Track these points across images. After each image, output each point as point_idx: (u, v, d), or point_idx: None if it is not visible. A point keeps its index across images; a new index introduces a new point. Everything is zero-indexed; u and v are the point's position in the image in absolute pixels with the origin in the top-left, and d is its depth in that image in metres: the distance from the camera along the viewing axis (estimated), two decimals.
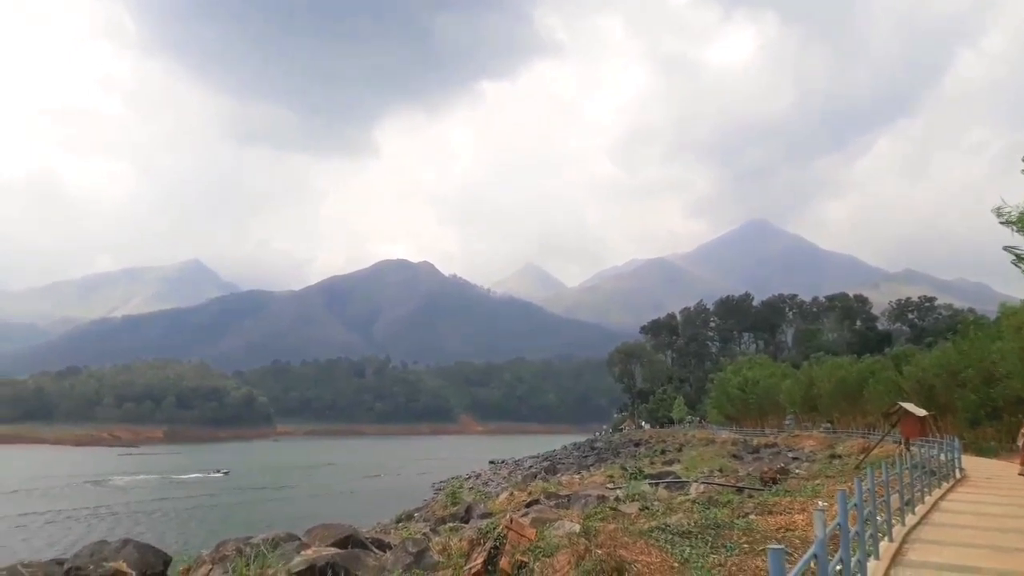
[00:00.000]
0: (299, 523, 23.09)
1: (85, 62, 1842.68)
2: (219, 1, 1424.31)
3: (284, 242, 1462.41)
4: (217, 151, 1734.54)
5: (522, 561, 8.38)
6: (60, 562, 12.78)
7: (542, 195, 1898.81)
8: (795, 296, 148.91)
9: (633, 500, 16.56)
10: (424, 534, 12.54)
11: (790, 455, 39.47)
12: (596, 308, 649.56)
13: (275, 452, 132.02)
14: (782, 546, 3.69)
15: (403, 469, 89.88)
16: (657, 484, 23.24)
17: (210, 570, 11.99)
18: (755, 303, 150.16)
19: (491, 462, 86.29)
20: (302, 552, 10.78)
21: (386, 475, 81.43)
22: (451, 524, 16.39)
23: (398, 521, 29.41)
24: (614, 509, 14.24)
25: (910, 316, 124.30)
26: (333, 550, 10.82)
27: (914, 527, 10.36)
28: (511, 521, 9.03)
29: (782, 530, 10.58)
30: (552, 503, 18.43)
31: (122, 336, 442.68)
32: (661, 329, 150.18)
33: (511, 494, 26.31)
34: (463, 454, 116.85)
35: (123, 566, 11.41)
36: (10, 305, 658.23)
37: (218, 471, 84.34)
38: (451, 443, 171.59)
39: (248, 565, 10.79)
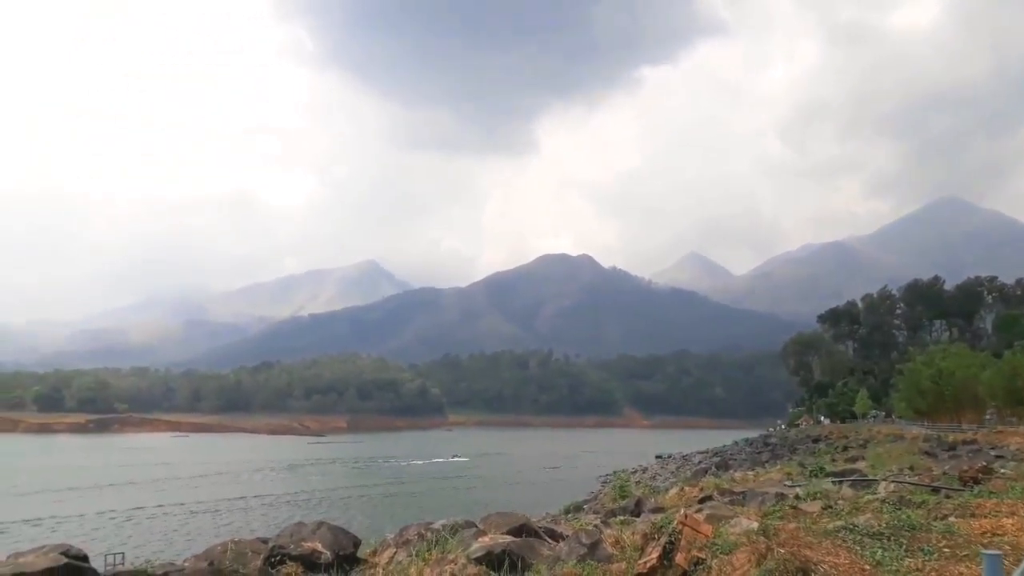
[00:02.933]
0: (472, 510, 24.01)
1: (272, 82, 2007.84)
2: (383, 14, 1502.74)
3: (452, 241, 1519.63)
4: (388, 157, 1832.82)
5: (699, 557, 8.20)
6: (264, 540, 13.92)
7: (706, 180, 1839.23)
8: (995, 278, 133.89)
9: (814, 498, 15.71)
10: (595, 526, 12.60)
11: (992, 453, 35.65)
12: (767, 297, 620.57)
13: (450, 441, 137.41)
14: (998, 552, 3.36)
15: (568, 461, 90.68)
16: (840, 482, 21.86)
17: (395, 553, 12.68)
18: (947, 287, 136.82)
19: (657, 456, 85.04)
20: (479, 539, 11.17)
21: (553, 466, 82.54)
22: (622, 517, 16.32)
23: (566, 512, 29.69)
24: (794, 507, 13.59)
25: None
26: (509, 538, 11.13)
27: None
28: (686, 516, 8.85)
29: (988, 535, 9.58)
30: (726, 499, 17.88)
31: (309, 333, 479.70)
32: (840, 318, 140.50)
33: (681, 489, 25.82)
34: (627, 448, 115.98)
35: (319, 546, 12.34)
36: (215, 307, 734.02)
37: (455, 456, 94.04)
38: (615, 436, 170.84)
39: (430, 549, 11.34)
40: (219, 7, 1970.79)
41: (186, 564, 12.66)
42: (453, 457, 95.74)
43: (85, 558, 11.70)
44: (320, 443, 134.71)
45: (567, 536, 11.60)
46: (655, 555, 8.43)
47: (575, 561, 9.53)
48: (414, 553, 11.59)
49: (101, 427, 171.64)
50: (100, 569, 11.78)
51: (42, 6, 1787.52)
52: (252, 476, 70.03)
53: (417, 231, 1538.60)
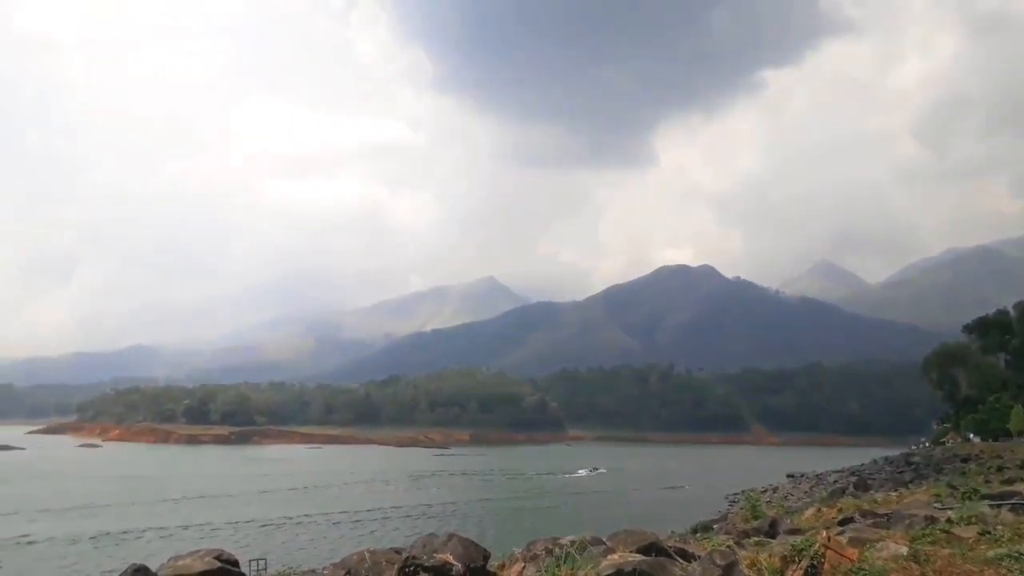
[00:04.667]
0: (597, 526, 23.76)
1: (396, 104, 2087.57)
2: (499, 34, 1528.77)
3: (569, 255, 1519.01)
4: (506, 174, 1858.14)
5: None
6: (398, 551, 14.25)
7: (835, 185, 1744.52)
8: None
9: (969, 523, 14.49)
10: (728, 547, 12.12)
11: None
12: (905, 306, 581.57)
13: (571, 456, 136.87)
14: None
15: (692, 478, 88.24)
16: (999, 505, 20.09)
17: (523, 568, 12.68)
18: None
19: (789, 475, 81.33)
20: (608, 556, 11.01)
21: (677, 484, 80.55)
22: (756, 538, 15.66)
23: (694, 531, 28.86)
24: (946, 532, 12.57)
25: None
26: (639, 556, 10.91)
27: None
28: (828, 539, 8.41)
29: None
30: (869, 521, 16.78)
31: (431, 348, 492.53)
32: (990, 327, 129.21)
33: (818, 510, 24.51)
34: (755, 465, 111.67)
35: (450, 558, 12.47)
36: (345, 323, 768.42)
37: (595, 469, 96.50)
38: (742, 454, 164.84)
39: (559, 566, 11.27)
40: (345, 35, 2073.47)
41: (325, 572, 13.17)
42: (594, 471, 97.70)
43: (235, 563, 12.35)
44: (445, 455, 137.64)
45: (699, 556, 11.25)
46: None
47: None
48: (543, 569, 11.55)
49: (242, 439, 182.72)
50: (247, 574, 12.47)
51: (196, 36, 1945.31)
52: (383, 487, 72.50)
53: (534, 246, 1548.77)
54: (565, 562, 11.59)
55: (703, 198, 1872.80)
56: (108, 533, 42.40)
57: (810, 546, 8.43)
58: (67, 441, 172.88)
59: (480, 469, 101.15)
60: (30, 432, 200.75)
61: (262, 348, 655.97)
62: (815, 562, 8.03)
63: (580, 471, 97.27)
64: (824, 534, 8.87)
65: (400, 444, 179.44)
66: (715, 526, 31.15)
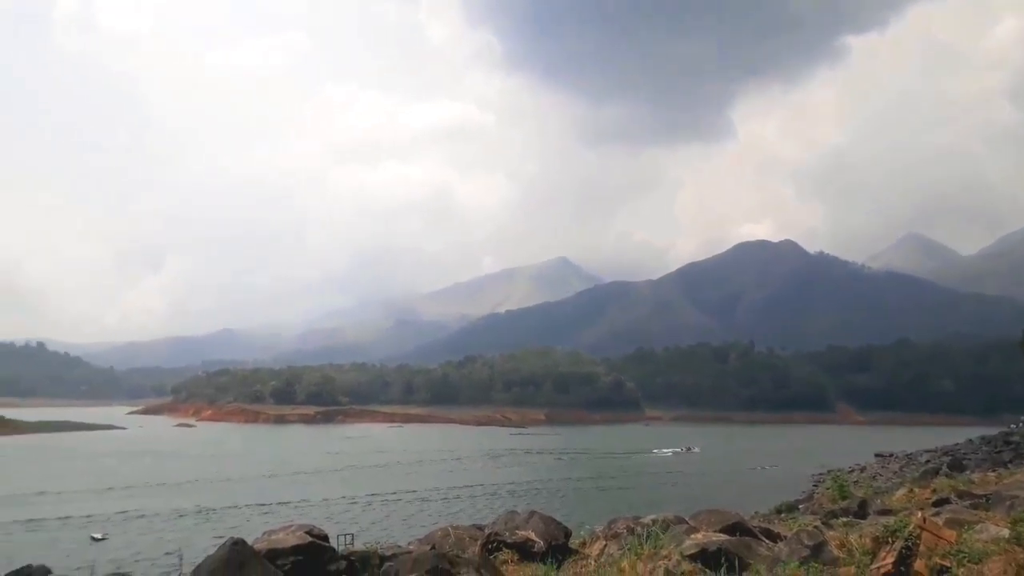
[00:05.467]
0: (678, 506, 23.61)
1: (466, 86, 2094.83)
2: (569, 11, 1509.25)
3: (643, 233, 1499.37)
4: (576, 153, 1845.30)
5: (942, 565, 7.51)
6: (480, 527, 14.56)
7: (923, 154, 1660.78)
8: None
9: None
10: (816, 527, 11.89)
11: None
12: (1003, 279, 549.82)
13: (651, 436, 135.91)
14: None
15: (775, 458, 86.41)
16: None
17: (605, 546, 12.78)
18: None
19: (877, 455, 78.63)
20: (692, 536, 10.98)
21: (759, 464, 79.12)
22: (844, 519, 15.30)
23: (779, 512, 28.38)
24: None
25: None
26: (723, 536, 10.84)
27: None
28: (924, 520, 8.15)
29: None
30: (966, 503, 16.14)
31: (505, 329, 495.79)
32: None
33: (910, 490, 23.68)
34: (841, 445, 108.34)
35: (532, 535, 12.67)
36: (421, 306, 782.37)
37: (689, 448, 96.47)
38: (826, 433, 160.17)
39: (641, 544, 11.29)
40: (415, 19, 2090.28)
41: (411, 547, 13.55)
42: (688, 450, 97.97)
43: (325, 538, 12.85)
44: (522, 434, 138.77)
45: (785, 537, 11.09)
46: (889, 561, 7.85)
47: (797, 563, 9.07)
48: (625, 547, 11.61)
49: (327, 418, 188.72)
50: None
51: (272, 26, 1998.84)
52: (463, 465, 73.89)
53: (607, 225, 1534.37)
54: (648, 541, 11.61)
55: (783, 171, 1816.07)
56: (210, 508, 44.70)
57: (904, 527, 8.17)
58: (164, 421, 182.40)
59: (557, 448, 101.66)
60: (130, 412, 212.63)
61: (343, 331, 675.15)
62: (910, 544, 7.80)
63: (665, 450, 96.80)
64: (919, 515, 8.59)
65: (477, 423, 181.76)
66: (800, 506, 30.52)
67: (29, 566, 11.60)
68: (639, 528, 12.59)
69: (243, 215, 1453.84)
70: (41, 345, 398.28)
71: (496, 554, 12.42)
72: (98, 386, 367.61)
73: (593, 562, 11.69)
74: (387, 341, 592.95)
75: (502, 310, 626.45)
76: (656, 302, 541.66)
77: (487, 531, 13.63)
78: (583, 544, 13.54)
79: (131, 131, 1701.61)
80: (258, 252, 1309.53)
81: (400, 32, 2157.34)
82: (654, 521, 12.85)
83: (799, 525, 13.51)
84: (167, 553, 29.38)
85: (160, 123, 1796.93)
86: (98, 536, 36.27)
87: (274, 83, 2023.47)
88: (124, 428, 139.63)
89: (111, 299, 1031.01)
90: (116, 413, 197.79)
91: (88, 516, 41.11)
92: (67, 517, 40.80)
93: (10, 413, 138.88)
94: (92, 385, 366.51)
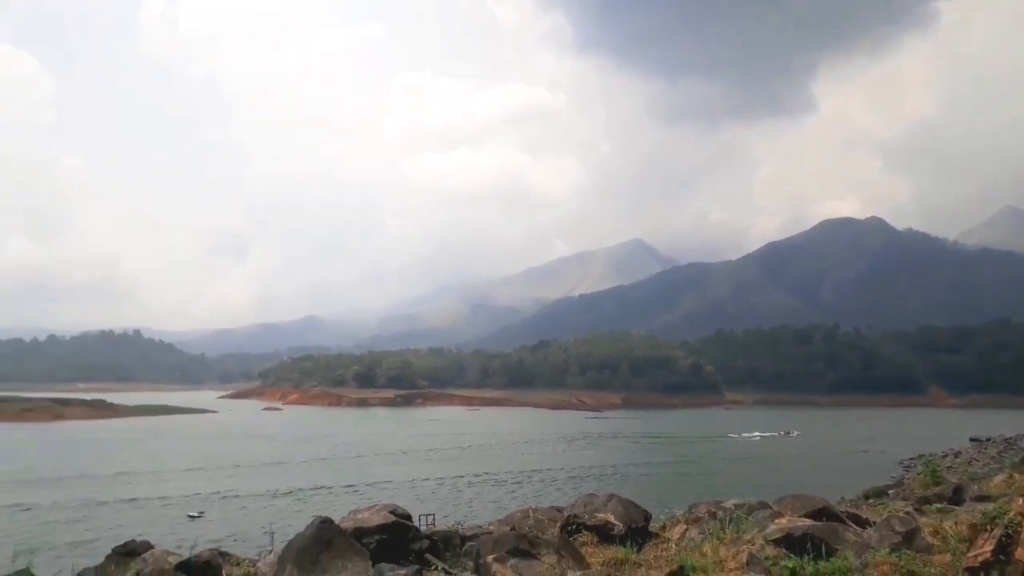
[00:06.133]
0: (761, 491, 23.15)
1: (537, 70, 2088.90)
2: None
3: (721, 213, 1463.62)
4: (650, 133, 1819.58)
5: None
6: (559, 509, 14.64)
7: (1020, 123, 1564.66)
8: None
9: None
10: (907, 513, 11.49)
11: None
12: None
13: (730, 420, 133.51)
14: None
15: (862, 443, 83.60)
16: None
17: (686, 529, 12.68)
18: None
19: (972, 439, 75.19)
20: (776, 521, 10.78)
21: (847, 448, 76.74)
22: (938, 505, 14.71)
23: (866, 497, 27.52)
24: None
25: None
26: (808, 521, 10.60)
27: None
28: None
29: None
30: None
31: (580, 312, 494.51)
32: None
33: (1010, 476, 22.52)
34: (932, 429, 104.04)
35: (611, 518, 12.68)
36: (495, 291, 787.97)
37: (787, 432, 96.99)
38: (916, 417, 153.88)
39: (723, 529, 11.16)
40: (485, 5, 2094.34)
41: (491, 527, 13.76)
42: (787, 433, 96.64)
43: (408, 517, 13.17)
44: (598, 418, 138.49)
45: (875, 523, 10.76)
46: (988, 548, 7.52)
47: (888, 550, 8.80)
48: (707, 531, 11.49)
49: (406, 401, 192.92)
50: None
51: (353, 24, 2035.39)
52: (540, 448, 74.39)
53: (683, 205, 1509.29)
54: (730, 525, 11.45)
55: (868, 145, 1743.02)
56: (299, 488, 46.51)
57: (1004, 514, 7.79)
58: (252, 405, 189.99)
59: (634, 432, 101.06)
60: (220, 397, 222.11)
61: (420, 316, 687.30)
62: (1010, 531, 7.45)
63: (755, 434, 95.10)
64: (1020, 502, 8.18)
65: (553, 407, 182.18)
66: (889, 492, 29.48)
67: (133, 541, 12.32)
68: (720, 512, 12.45)
69: (323, 204, 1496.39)
70: (138, 333, 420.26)
71: (576, 536, 12.49)
72: (190, 371, 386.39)
73: (674, 546, 11.62)
74: (463, 326, 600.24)
75: (576, 294, 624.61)
76: (736, 283, 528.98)
77: (566, 513, 13.70)
78: (663, 528, 13.45)
79: (216, 127, 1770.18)
80: (339, 241, 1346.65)
81: (471, 19, 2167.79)
82: (736, 506, 12.67)
83: (889, 511, 13.08)
84: (259, 531, 30.72)
85: (242, 118, 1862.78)
86: (194, 514, 38.28)
87: (350, 74, 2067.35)
88: (216, 412, 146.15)
89: (201, 288, 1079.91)
90: (208, 397, 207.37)
91: (186, 496, 43.39)
92: (167, 497, 43.17)
93: (112, 397, 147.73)
94: (185, 370, 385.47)
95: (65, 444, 78.12)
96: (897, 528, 9.39)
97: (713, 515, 12.52)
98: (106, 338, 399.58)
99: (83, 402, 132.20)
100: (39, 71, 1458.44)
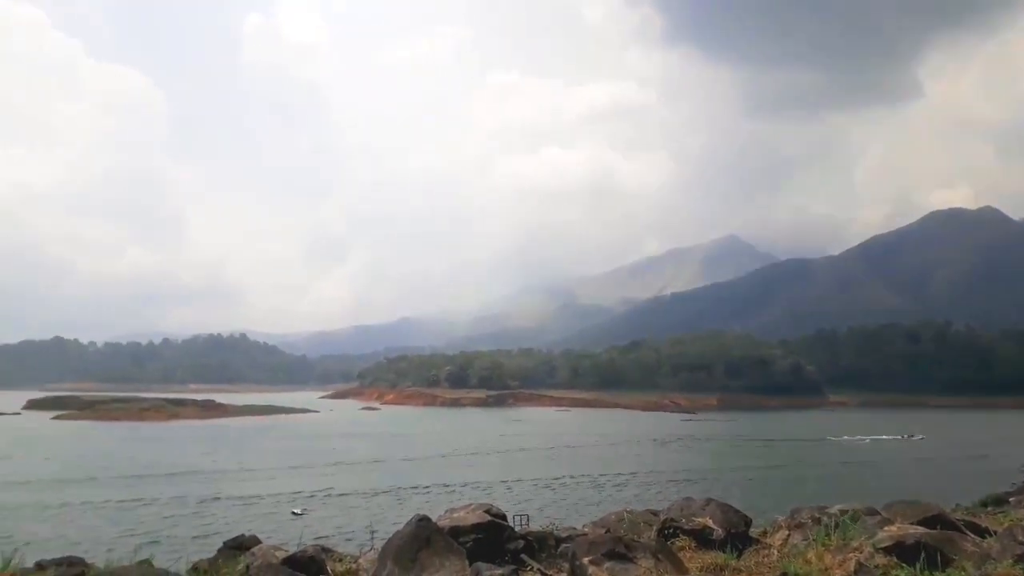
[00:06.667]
0: (867, 496, 22.13)
1: (625, 65, 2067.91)
2: None
3: (820, 206, 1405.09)
4: (742, 125, 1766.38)
5: None
6: (655, 512, 14.43)
7: None
8: None
9: None
10: None
11: None
12: None
13: (834, 422, 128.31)
14: None
15: (977, 447, 78.74)
16: None
17: (788, 536, 12.27)
18: None
19: None
20: (885, 528, 10.29)
21: (961, 453, 72.45)
22: None
23: (984, 505, 25.93)
24: None
25: None
26: (921, 529, 10.07)
27: None
28: None
29: None
30: None
31: (671, 312, 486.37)
32: None
33: None
34: None
35: (709, 522, 12.40)
36: (583, 290, 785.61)
37: (910, 435, 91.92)
38: None
39: (829, 535, 10.74)
40: (571, 2, 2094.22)
41: (585, 529, 13.73)
42: (909, 437, 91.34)
43: (503, 517, 13.27)
44: (693, 420, 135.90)
45: (996, 532, 10.12)
46: None
47: (1011, 561, 8.26)
48: (811, 537, 11.09)
49: (498, 401, 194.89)
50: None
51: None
52: (634, 450, 73.78)
53: (779, 199, 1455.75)
54: (836, 532, 11.00)
55: (980, 130, 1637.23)
56: (398, 487, 47.79)
57: None
58: (351, 404, 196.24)
59: (731, 434, 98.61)
60: (321, 397, 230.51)
61: (509, 316, 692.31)
62: None
63: (863, 437, 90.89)
64: None
65: (646, 408, 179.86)
66: (1011, 499, 27.67)
67: (242, 535, 13.00)
68: (825, 518, 11.96)
69: (415, 207, 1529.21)
70: (243, 336, 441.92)
71: (673, 540, 12.30)
72: (293, 372, 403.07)
73: (776, 552, 11.26)
74: (551, 326, 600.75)
75: (668, 292, 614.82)
76: (837, 279, 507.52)
77: (663, 516, 13.47)
78: (764, 533, 13.05)
79: (315, 133, 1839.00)
80: (430, 242, 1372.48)
81: (558, 17, 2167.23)
82: (842, 511, 12.15)
83: (1011, 520, 12.29)
84: (359, 528, 31.71)
85: (340, 123, 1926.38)
86: (298, 511, 39.91)
87: (440, 77, 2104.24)
88: (317, 411, 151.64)
89: (302, 292, 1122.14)
90: (309, 397, 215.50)
91: (293, 493, 45.28)
92: (274, 494, 45.13)
93: (221, 398, 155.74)
94: (288, 371, 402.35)
95: (180, 442, 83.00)
96: (1020, 538, 8.81)
97: (817, 521, 12.06)
98: (215, 341, 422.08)
99: (195, 402, 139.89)
100: (151, 88, 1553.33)
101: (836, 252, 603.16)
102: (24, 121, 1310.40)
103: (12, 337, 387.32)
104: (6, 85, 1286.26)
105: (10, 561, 8.39)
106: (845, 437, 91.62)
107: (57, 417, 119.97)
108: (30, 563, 8.75)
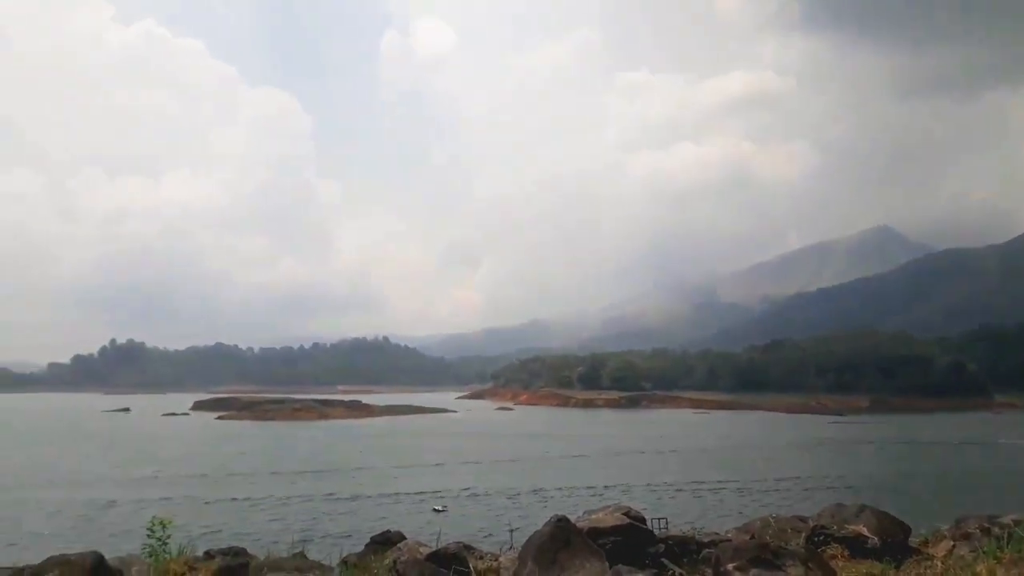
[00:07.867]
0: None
1: (761, 55, 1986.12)
2: None
3: (983, 191, 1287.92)
4: (891, 109, 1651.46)
5: None
6: (803, 519, 13.86)
7: None
8: None
9: None
10: None
11: None
12: None
13: (1001, 426, 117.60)
14: None
15: None
16: None
17: (953, 546, 11.49)
18: None
19: None
20: None
21: None
22: None
23: None
24: None
25: None
26: None
27: None
28: None
29: None
30: None
31: (815, 308, 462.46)
32: None
33: None
34: None
35: (864, 530, 11.82)
36: (719, 288, 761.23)
37: None
38: None
39: (1001, 548, 9.92)
40: None
41: (729, 535, 13.37)
42: None
43: (642, 520, 13.17)
44: (842, 423, 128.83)
45: None
46: None
47: None
48: (979, 549, 10.29)
49: (632, 403, 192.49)
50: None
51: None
52: (779, 454, 71.11)
53: (937, 186, 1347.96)
54: (1009, 544, 10.17)
55: None
56: (538, 487, 48.42)
57: None
58: (486, 404, 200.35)
59: (884, 437, 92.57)
60: (458, 397, 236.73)
61: (641, 316, 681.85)
62: None
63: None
64: None
65: (789, 411, 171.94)
66: None
67: (388, 531, 13.67)
68: (996, 528, 11.08)
69: (546, 210, 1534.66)
70: (386, 339, 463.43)
71: (823, 548, 11.77)
72: (431, 373, 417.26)
73: (939, 563, 10.53)
74: (685, 325, 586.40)
75: (811, 288, 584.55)
76: (1004, 271, 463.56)
77: (812, 523, 12.95)
78: (925, 543, 12.25)
79: (449, 142, 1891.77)
80: (560, 244, 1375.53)
81: (687, 11, 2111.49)
82: (1016, 521, 11.19)
83: None
84: (498, 526, 32.37)
85: (471, 131, 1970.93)
86: (439, 508, 41.28)
87: (569, 80, 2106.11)
88: (455, 412, 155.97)
89: (439, 296, 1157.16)
90: (447, 398, 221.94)
91: (434, 491, 46.85)
92: (418, 492, 46.89)
93: (366, 399, 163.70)
94: (426, 373, 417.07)
95: (331, 441, 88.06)
96: None
97: (987, 531, 11.18)
98: (360, 344, 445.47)
99: (342, 403, 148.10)
100: (298, 107, 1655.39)
101: (1000, 241, 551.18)
102: (188, 144, 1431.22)
103: (181, 344, 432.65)
104: (174, 112, 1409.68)
105: (184, 550, 9.34)
106: (1021, 442, 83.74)
107: (220, 417, 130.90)
108: (200, 552, 9.61)
